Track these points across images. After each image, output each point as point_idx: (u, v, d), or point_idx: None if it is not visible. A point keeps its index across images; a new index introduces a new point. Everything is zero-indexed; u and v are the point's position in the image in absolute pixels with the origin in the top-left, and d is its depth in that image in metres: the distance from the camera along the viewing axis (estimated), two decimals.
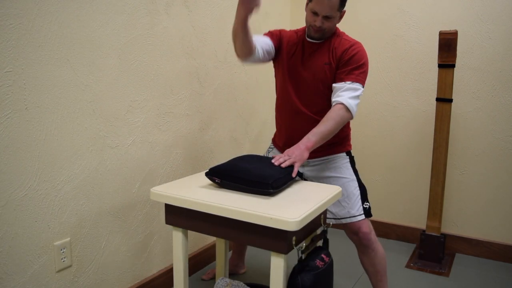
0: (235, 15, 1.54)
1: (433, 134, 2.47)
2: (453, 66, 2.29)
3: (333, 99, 1.67)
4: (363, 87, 1.68)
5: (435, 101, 2.39)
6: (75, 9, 1.51)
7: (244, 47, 1.63)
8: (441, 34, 2.27)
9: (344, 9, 1.70)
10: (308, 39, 1.77)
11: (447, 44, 2.26)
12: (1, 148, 1.33)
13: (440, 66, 2.31)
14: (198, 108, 2.15)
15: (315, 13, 1.66)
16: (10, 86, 1.34)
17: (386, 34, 2.66)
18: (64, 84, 1.50)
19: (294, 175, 1.51)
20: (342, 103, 1.63)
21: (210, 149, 2.28)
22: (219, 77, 2.28)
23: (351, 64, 1.68)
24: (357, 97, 1.66)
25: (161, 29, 1.88)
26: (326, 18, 1.66)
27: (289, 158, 1.55)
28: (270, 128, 1.98)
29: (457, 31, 2.24)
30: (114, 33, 1.66)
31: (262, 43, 1.75)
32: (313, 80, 1.74)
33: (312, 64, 1.74)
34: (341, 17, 1.72)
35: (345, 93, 1.65)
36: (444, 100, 2.33)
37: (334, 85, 1.69)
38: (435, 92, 2.41)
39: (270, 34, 1.82)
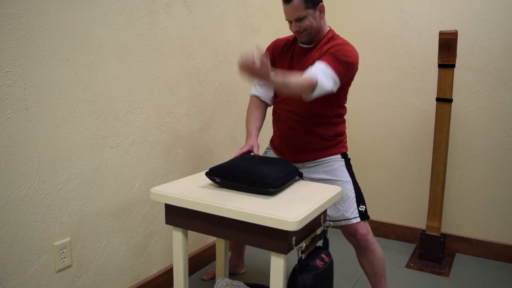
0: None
1: (433, 134, 2.47)
2: (453, 66, 2.29)
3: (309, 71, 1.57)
4: (338, 78, 1.58)
5: (435, 101, 2.39)
6: (75, 9, 1.50)
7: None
8: (441, 34, 2.27)
9: (321, 3, 1.67)
10: (300, 44, 1.78)
11: (447, 44, 2.25)
12: (1, 148, 1.33)
13: (440, 66, 2.31)
14: (198, 108, 2.15)
15: (289, 21, 1.70)
16: (10, 86, 1.33)
17: (386, 34, 2.66)
18: (64, 84, 1.50)
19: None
20: (317, 80, 1.52)
21: (210, 149, 2.28)
22: (219, 77, 2.28)
23: (334, 56, 1.60)
24: (330, 79, 1.55)
25: (161, 29, 1.88)
26: (299, 20, 1.66)
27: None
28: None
29: (457, 31, 2.24)
30: (114, 33, 1.66)
31: (265, 92, 1.87)
32: None
33: (301, 67, 1.74)
34: (320, 11, 1.68)
35: (320, 70, 1.54)
36: (444, 100, 2.33)
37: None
38: (435, 92, 2.41)
39: None
